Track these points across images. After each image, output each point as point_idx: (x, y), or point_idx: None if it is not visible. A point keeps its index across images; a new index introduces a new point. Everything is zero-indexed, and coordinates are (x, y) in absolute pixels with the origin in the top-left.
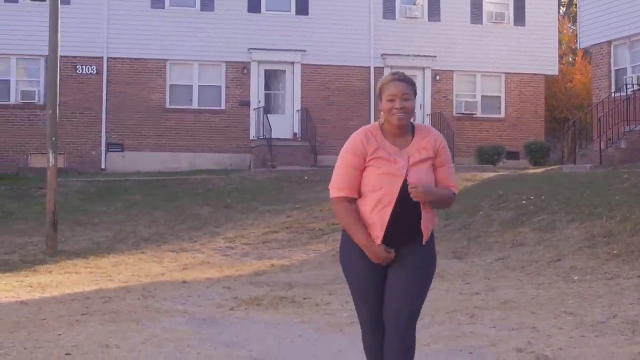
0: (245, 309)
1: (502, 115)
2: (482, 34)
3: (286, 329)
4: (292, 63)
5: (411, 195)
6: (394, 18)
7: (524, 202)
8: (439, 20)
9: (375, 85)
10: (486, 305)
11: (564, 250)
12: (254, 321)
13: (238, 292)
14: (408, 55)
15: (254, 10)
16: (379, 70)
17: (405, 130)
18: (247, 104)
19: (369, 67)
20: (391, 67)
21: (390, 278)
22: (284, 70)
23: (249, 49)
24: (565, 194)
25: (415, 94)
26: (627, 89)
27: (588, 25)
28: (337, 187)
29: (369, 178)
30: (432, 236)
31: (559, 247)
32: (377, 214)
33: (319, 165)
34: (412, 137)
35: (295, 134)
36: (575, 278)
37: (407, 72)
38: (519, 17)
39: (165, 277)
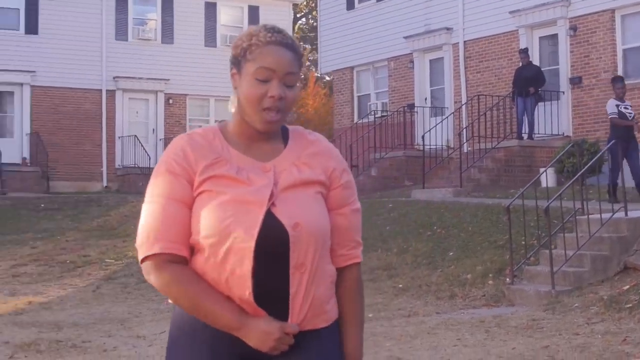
0: (26, 356)
1: None
2: (216, 57)
3: None
4: (21, 84)
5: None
6: (126, 40)
7: None
8: (172, 43)
9: (106, 107)
10: None
11: None
12: None
13: (5, 335)
14: (141, 78)
15: None
16: (110, 94)
17: (272, 133)
18: None
19: (101, 90)
20: (124, 90)
21: None
22: (13, 92)
23: None
24: None
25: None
26: (374, 115)
27: (329, 51)
28: (149, 240)
29: (203, 215)
30: (337, 326)
31: None
32: (226, 283)
33: (52, 192)
34: (285, 144)
35: (24, 159)
36: (370, 315)
37: (141, 96)
38: None
39: None
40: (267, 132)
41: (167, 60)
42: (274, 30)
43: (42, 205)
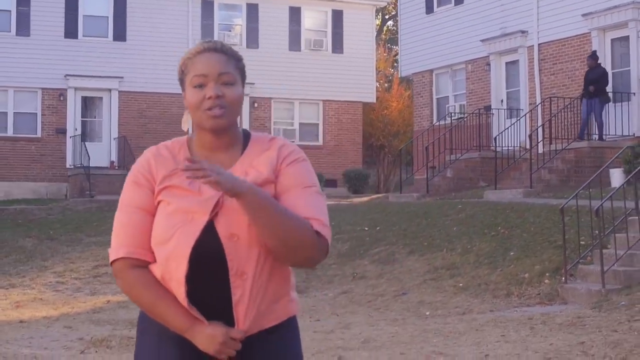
0: (96, 351)
1: (320, 142)
2: (300, 61)
3: None
4: (110, 90)
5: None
6: None
7: (358, 233)
8: (257, 47)
9: None
10: (348, 344)
11: (408, 284)
12: None
13: (81, 332)
14: None
15: (71, 36)
16: None
17: (230, 140)
18: (63, 131)
19: None
20: None
21: None
22: (101, 97)
23: (66, 76)
24: (400, 224)
25: (243, 75)
26: (451, 117)
27: (409, 54)
28: (116, 245)
29: (155, 224)
30: (294, 324)
31: (402, 280)
32: (170, 288)
33: None
34: (242, 152)
35: (112, 162)
36: (427, 313)
37: None
38: (337, 46)
39: None
40: (217, 130)
41: (252, 64)
42: (204, 42)
43: None
